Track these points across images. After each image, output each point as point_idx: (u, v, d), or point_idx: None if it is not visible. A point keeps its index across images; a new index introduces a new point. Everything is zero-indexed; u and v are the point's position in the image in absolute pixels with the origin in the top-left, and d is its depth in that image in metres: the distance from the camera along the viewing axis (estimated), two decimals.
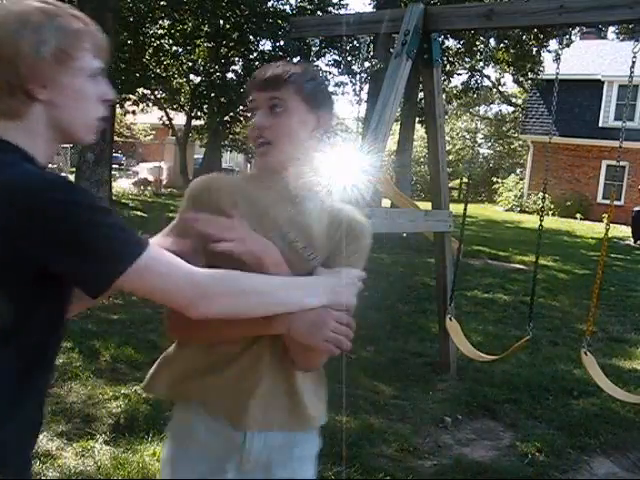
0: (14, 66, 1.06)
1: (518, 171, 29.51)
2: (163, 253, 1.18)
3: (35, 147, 1.13)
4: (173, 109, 16.15)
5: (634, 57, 3.46)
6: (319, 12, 15.16)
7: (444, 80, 18.79)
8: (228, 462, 1.50)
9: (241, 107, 15.09)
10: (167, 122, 15.16)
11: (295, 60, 15.09)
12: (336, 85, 16.50)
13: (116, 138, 22.39)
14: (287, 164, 1.47)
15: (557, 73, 4.26)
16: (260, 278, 1.30)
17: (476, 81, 20.08)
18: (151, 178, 21.67)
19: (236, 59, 15.72)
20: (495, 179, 27.82)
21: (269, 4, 15.22)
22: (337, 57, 15.82)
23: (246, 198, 1.48)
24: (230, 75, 15.43)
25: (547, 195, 5.74)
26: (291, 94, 1.43)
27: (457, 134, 35.45)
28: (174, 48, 15.34)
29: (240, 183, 1.54)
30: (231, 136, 17.25)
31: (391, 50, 9.35)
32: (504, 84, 33.17)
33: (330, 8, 15.51)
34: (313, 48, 11.93)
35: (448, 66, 17.95)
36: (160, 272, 1.15)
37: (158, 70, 14.94)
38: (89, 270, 1.09)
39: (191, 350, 1.51)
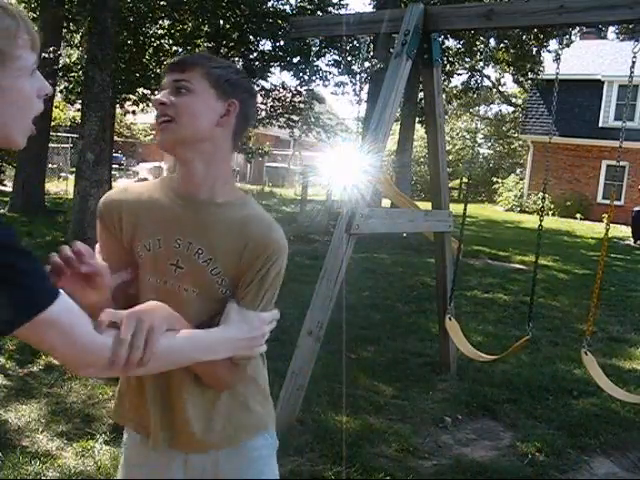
0: None
1: (518, 171, 29.48)
2: (71, 308, 1.07)
3: None
4: None
5: (634, 57, 3.46)
6: (319, 12, 15.14)
7: (444, 80, 18.79)
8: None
9: None
10: None
11: (295, 60, 15.09)
12: (336, 85, 16.47)
13: (116, 138, 22.42)
14: (188, 145, 1.41)
15: (557, 73, 4.26)
16: (165, 343, 1.20)
17: (476, 81, 20.08)
18: (151, 178, 21.69)
19: (236, 59, 15.70)
20: (495, 179, 27.80)
21: (269, 4, 15.20)
22: (337, 57, 15.81)
23: (152, 206, 1.46)
24: None
25: (547, 195, 5.73)
26: (197, 77, 1.40)
27: (457, 134, 35.41)
28: (174, 48, 15.32)
29: (149, 190, 1.50)
30: None
31: (391, 50, 9.34)
32: (504, 84, 33.24)
33: (330, 8, 15.49)
34: (313, 48, 11.90)
35: (448, 66, 17.94)
36: (63, 331, 1.05)
37: (158, 70, 14.91)
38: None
39: (124, 378, 1.56)
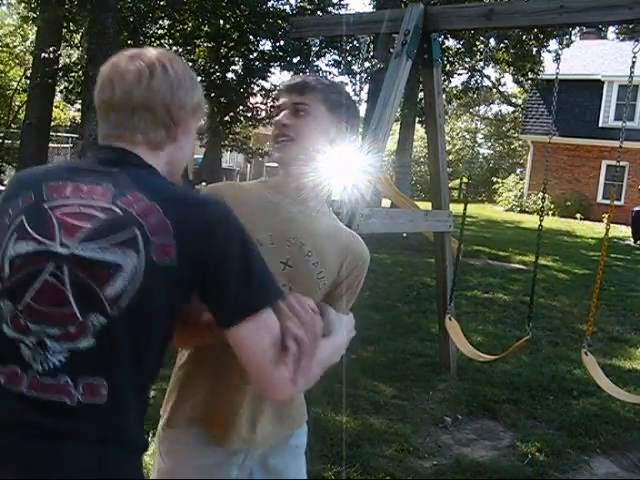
0: (169, 111, 1.23)
1: (518, 171, 29.48)
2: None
3: None
4: None
5: (634, 57, 3.46)
6: (319, 12, 15.14)
7: (444, 80, 18.79)
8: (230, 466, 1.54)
9: (241, 107, 15.10)
10: None
11: (295, 60, 15.10)
12: None
13: None
14: (303, 161, 1.50)
15: (557, 73, 4.26)
16: (325, 353, 1.33)
17: (476, 81, 20.08)
18: None
19: (236, 59, 15.70)
20: (495, 179, 27.80)
21: (269, 4, 15.20)
22: (337, 57, 15.81)
23: (263, 206, 1.50)
24: (230, 75, 15.41)
25: (547, 195, 5.74)
26: (316, 101, 1.49)
27: (457, 134, 35.41)
28: (174, 48, 15.32)
29: (256, 190, 1.56)
30: (231, 136, 17.25)
31: (391, 50, 9.34)
32: (504, 84, 33.21)
33: (330, 8, 15.49)
34: (313, 48, 11.91)
35: (448, 66, 17.94)
36: (274, 333, 1.16)
37: None
38: (242, 294, 1.13)
39: (181, 382, 1.55)
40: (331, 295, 1.55)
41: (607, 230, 3.70)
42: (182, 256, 1.09)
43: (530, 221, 18.22)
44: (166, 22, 15.21)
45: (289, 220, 1.49)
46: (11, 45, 17.59)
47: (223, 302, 1.15)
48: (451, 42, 17.38)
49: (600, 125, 22.37)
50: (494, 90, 31.33)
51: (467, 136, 34.73)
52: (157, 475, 1.59)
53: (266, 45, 16.39)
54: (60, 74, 12.97)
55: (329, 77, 16.05)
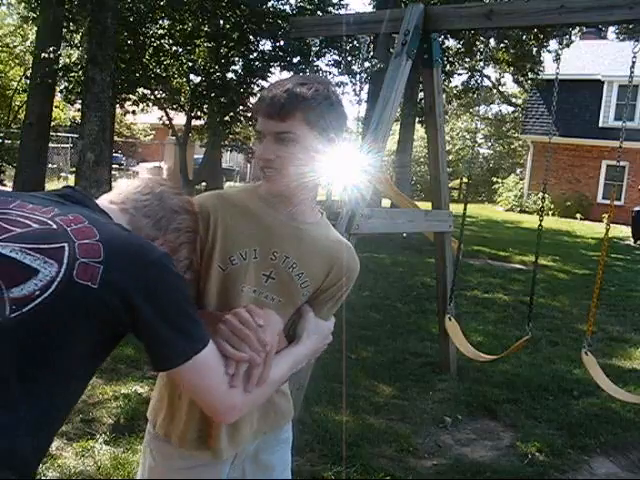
0: None
1: (518, 171, 29.48)
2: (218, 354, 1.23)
3: None
4: (173, 109, 16.15)
5: (634, 57, 3.46)
6: (319, 12, 15.13)
7: (444, 80, 18.78)
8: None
9: (241, 107, 15.08)
10: (167, 122, 15.16)
11: (295, 60, 15.09)
12: (336, 85, 16.47)
13: (116, 138, 22.37)
14: (295, 190, 1.47)
15: (557, 73, 4.26)
16: (278, 373, 1.37)
17: (476, 81, 20.07)
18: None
19: (236, 59, 15.68)
20: (495, 179, 27.79)
21: (269, 4, 15.18)
22: (337, 57, 15.79)
23: (251, 215, 1.49)
24: (230, 75, 15.39)
25: (547, 195, 5.73)
26: (297, 124, 1.40)
27: (457, 134, 35.40)
28: (174, 48, 15.30)
29: (242, 199, 1.54)
30: (231, 136, 17.23)
31: (391, 50, 9.34)
32: (504, 84, 33.17)
33: (330, 8, 15.47)
34: (313, 48, 11.89)
35: (448, 66, 17.93)
36: (212, 371, 1.20)
37: (158, 70, 14.89)
38: (172, 340, 1.13)
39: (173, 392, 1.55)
40: (313, 300, 1.56)
41: (607, 230, 3.70)
42: (105, 282, 1.05)
43: (530, 221, 18.21)
44: (166, 22, 15.19)
45: (275, 232, 1.48)
46: (11, 45, 17.59)
47: (155, 347, 1.14)
48: (451, 42, 17.38)
49: (600, 125, 22.38)
50: (494, 90, 31.32)
51: (467, 136, 34.71)
52: (147, 474, 1.59)
53: (266, 45, 16.39)
54: (60, 74, 12.96)
55: (329, 77, 16.04)
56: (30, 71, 13.48)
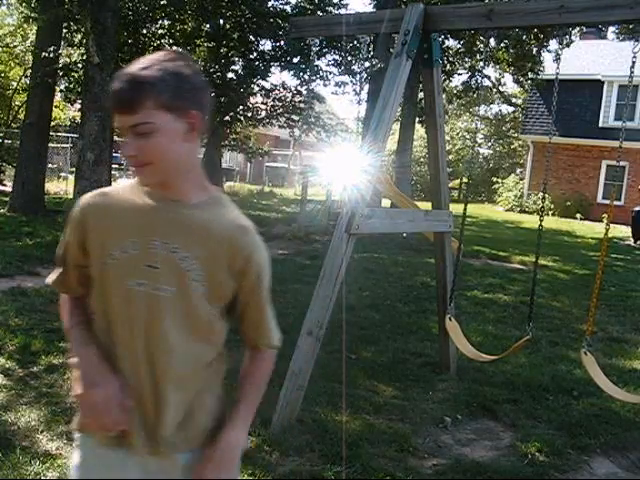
0: None
1: (518, 171, 29.48)
2: None
3: None
4: None
5: (634, 57, 3.46)
6: (319, 12, 15.14)
7: (444, 80, 18.78)
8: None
9: (241, 107, 15.09)
10: None
11: (295, 60, 15.07)
12: (336, 85, 16.46)
13: (116, 138, 22.35)
14: (169, 177, 1.42)
15: (557, 73, 4.27)
16: None
17: (476, 81, 20.07)
18: None
19: (236, 59, 15.69)
20: (495, 179, 27.80)
21: (269, 4, 15.19)
22: (337, 57, 15.80)
23: (126, 209, 1.45)
24: (230, 75, 15.40)
25: (547, 195, 5.74)
26: (151, 112, 1.33)
27: (457, 134, 35.41)
28: (174, 48, 15.32)
29: (123, 193, 1.49)
30: (231, 136, 17.25)
31: (391, 50, 9.33)
32: (504, 84, 33.16)
33: (330, 8, 15.48)
34: (313, 48, 11.90)
35: (448, 66, 17.95)
36: None
37: None
38: None
39: None
40: (238, 300, 1.50)
41: (607, 230, 3.70)
42: None
43: (530, 221, 18.21)
44: (166, 22, 15.20)
45: (155, 220, 1.43)
46: (11, 45, 17.58)
47: None
48: (451, 42, 17.39)
49: (600, 125, 22.39)
50: (494, 90, 31.31)
51: (467, 136, 34.73)
52: (72, 470, 1.56)
53: (266, 45, 16.39)
54: (60, 74, 12.97)
55: (329, 77, 16.03)
56: (30, 71, 13.49)
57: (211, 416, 1.52)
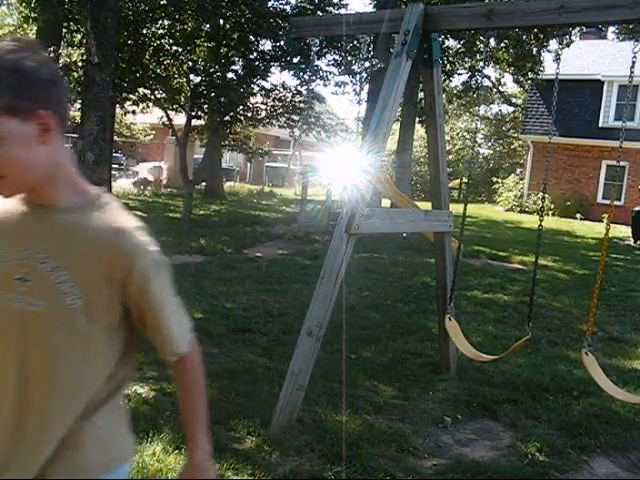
0: None
1: (518, 171, 29.48)
2: None
3: None
4: (173, 109, 16.16)
5: (634, 57, 3.46)
6: (319, 12, 15.13)
7: (444, 80, 18.79)
8: None
9: (241, 107, 15.08)
10: (167, 122, 15.17)
11: (295, 60, 15.07)
12: (336, 85, 16.45)
13: (116, 138, 22.38)
14: (30, 185, 1.28)
15: (557, 73, 4.27)
16: None
17: (476, 81, 20.08)
18: (151, 178, 21.69)
19: (236, 59, 15.68)
20: (495, 179, 27.81)
21: (269, 4, 15.19)
22: (337, 57, 15.80)
23: (4, 218, 1.34)
24: (230, 75, 15.39)
25: (547, 195, 5.74)
26: None
27: (457, 134, 35.40)
28: (174, 48, 15.29)
29: (5, 204, 1.36)
30: (231, 136, 17.24)
31: (391, 50, 9.34)
32: (504, 84, 33.17)
33: (330, 8, 15.47)
34: (313, 48, 11.89)
35: (448, 66, 17.95)
36: None
37: (158, 70, 14.88)
38: None
39: None
40: (132, 309, 1.34)
41: (607, 230, 3.70)
42: None
43: (530, 221, 18.21)
44: (166, 22, 15.19)
45: (20, 231, 1.31)
46: None
47: None
48: (451, 42, 17.40)
49: (600, 125, 22.40)
50: (494, 90, 31.32)
51: (467, 136, 34.72)
52: None
53: (266, 45, 16.38)
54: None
55: (329, 77, 16.03)
56: None
57: (103, 445, 1.39)
